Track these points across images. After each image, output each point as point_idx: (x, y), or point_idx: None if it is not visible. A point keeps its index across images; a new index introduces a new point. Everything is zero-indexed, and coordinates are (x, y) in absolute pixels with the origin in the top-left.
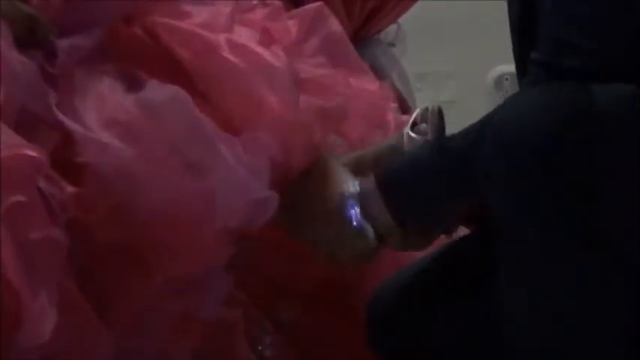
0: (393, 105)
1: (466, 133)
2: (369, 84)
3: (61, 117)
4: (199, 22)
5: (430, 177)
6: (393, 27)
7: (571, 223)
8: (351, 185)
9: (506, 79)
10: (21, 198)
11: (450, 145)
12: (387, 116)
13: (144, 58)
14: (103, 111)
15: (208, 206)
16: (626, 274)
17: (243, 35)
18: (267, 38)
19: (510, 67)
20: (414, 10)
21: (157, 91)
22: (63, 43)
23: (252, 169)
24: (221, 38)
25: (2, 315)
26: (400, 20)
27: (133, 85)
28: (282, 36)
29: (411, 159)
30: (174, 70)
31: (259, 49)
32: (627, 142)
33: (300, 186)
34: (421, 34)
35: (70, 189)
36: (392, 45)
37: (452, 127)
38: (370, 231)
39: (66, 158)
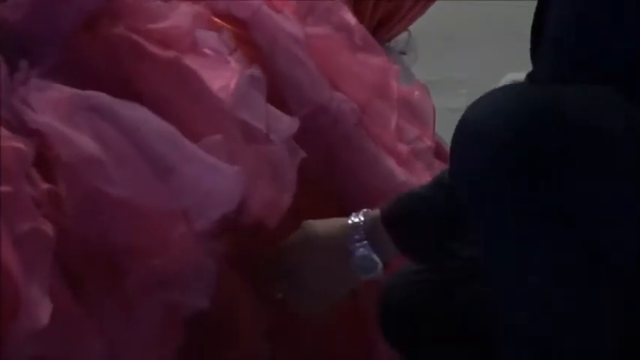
0: (396, 76)
1: None
2: (375, 58)
3: (30, 114)
4: (162, 27)
5: (433, 213)
6: (403, 35)
7: (541, 222)
8: (355, 217)
9: None
10: (9, 188)
11: (446, 180)
12: (390, 85)
13: (101, 79)
14: (64, 109)
15: (175, 206)
16: (605, 269)
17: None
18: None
19: (521, 75)
20: (424, 18)
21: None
22: (24, 64)
23: (218, 168)
24: (179, 56)
25: (1, 302)
26: (411, 28)
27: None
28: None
29: (414, 197)
30: (130, 90)
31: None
32: (590, 138)
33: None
34: (432, 42)
35: (44, 185)
36: (403, 53)
37: None
38: (379, 263)
39: (37, 154)
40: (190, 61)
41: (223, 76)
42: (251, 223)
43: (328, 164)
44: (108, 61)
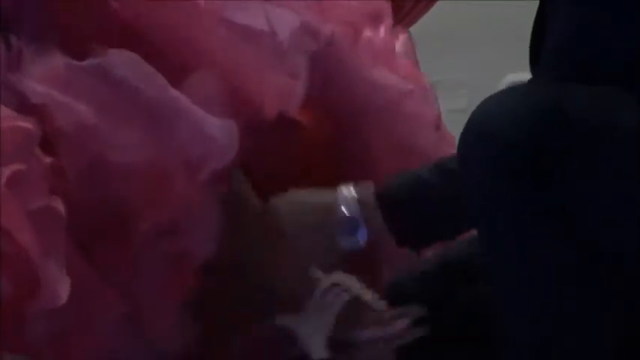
0: (400, 51)
1: None
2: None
3: (24, 84)
4: None
5: (431, 198)
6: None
7: (545, 222)
8: (347, 186)
9: None
10: (22, 167)
11: (450, 167)
12: (393, 58)
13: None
14: (59, 79)
15: (176, 157)
16: (606, 269)
17: None
18: None
19: (521, 76)
20: (424, 18)
21: (108, 57)
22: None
23: (212, 112)
24: None
25: (20, 281)
26: (410, 29)
27: (82, 55)
28: None
29: (412, 178)
30: (118, 26)
31: None
32: (597, 140)
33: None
34: (431, 43)
35: (47, 160)
36: None
37: None
38: (364, 228)
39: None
40: None
41: None
42: (272, 116)
43: (325, 87)
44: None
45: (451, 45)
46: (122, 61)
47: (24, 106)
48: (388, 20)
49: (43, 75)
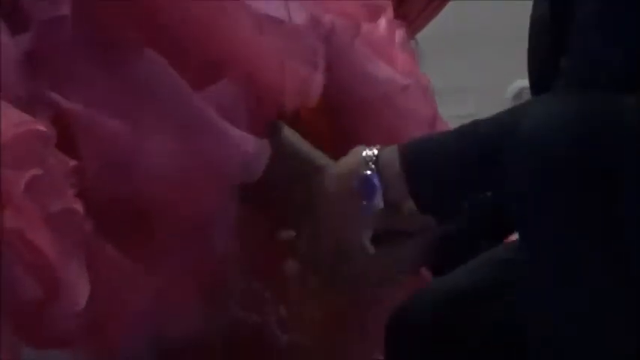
0: (398, 42)
1: (495, 122)
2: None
3: (53, 96)
4: None
5: (456, 164)
6: (410, 43)
7: (595, 234)
8: (370, 149)
9: (526, 92)
10: (38, 171)
11: (478, 131)
12: (393, 52)
13: (115, 19)
14: (89, 90)
15: (200, 165)
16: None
17: None
18: None
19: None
20: (430, 25)
21: (138, 63)
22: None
23: (235, 119)
24: None
25: (39, 287)
26: (417, 36)
27: (113, 54)
28: None
29: (437, 142)
30: (145, 22)
31: None
32: None
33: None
34: (438, 48)
35: (72, 162)
36: None
37: None
38: (379, 188)
39: (59, 132)
40: None
41: None
42: (293, 106)
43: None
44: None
45: (457, 50)
46: (148, 68)
47: (43, 107)
48: (389, 13)
49: (71, 81)
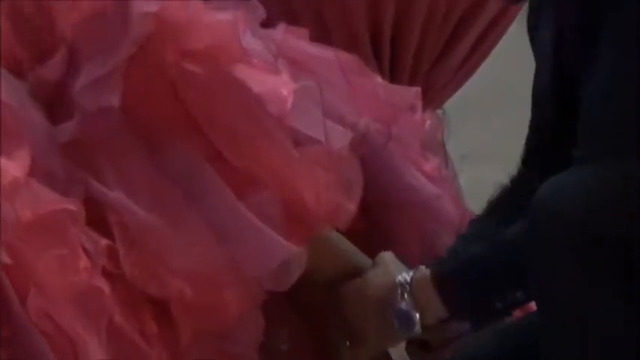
0: (418, 96)
1: (519, 227)
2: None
3: (94, 183)
4: (212, 43)
5: (488, 276)
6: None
7: (614, 297)
8: (404, 275)
9: None
10: (64, 250)
11: (505, 239)
12: (415, 105)
13: (160, 113)
14: (128, 180)
15: (231, 270)
16: None
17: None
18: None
19: None
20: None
21: (176, 155)
22: (77, 83)
23: (274, 227)
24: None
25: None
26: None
27: (152, 147)
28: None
29: (466, 259)
30: (188, 126)
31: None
32: None
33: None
34: (462, 115)
35: (103, 242)
36: None
37: None
38: (417, 320)
39: (94, 213)
40: (241, 73)
41: (277, 86)
42: (322, 224)
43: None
44: (163, 94)
45: (481, 115)
46: (191, 169)
47: (87, 193)
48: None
49: (112, 170)
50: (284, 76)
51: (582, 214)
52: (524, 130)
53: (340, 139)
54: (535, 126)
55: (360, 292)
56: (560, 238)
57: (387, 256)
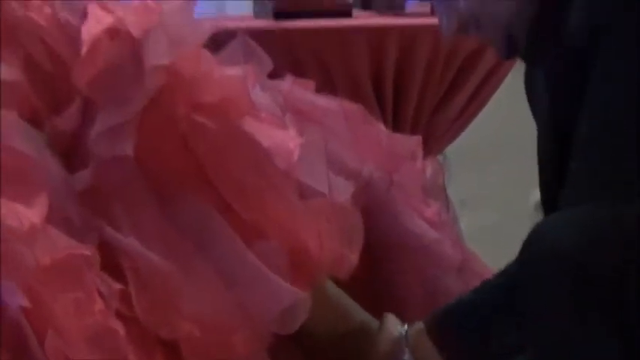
0: (419, 144)
1: (505, 276)
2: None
3: (108, 230)
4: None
5: (482, 329)
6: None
7: (607, 329)
8: (399, 329)
9: None
10: (80, 294)
11: (497, 283)
12: (416, 152)
13: (171, 165)
14: (142, 228)
15: (239, 314)
16: None
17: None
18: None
19: None
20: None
21: (187, 207)
22: (92, 132)
23: (280, 274)
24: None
25: None
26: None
27: (164, 199)
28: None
29: (460, 314)
30: (199, 178)
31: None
32: None
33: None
34: (462, 162)
35: (117, 285)
36: None
37: (496, 251)
38: None
39: (109, 258)
40: (250, 127)
41: (284, 140)
42: (325, 271)
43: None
44: (174, 146)
45: (477, 162)
46: (202, 219)
47: (102, 238)
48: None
49: (126, 217)
50: (291, 130)
51: (575, 251)
52: (520, 178)
53: (343, 191)
54: (543, 187)
55: (371, 346)
56: (553, 274)
57: (391, 316)
